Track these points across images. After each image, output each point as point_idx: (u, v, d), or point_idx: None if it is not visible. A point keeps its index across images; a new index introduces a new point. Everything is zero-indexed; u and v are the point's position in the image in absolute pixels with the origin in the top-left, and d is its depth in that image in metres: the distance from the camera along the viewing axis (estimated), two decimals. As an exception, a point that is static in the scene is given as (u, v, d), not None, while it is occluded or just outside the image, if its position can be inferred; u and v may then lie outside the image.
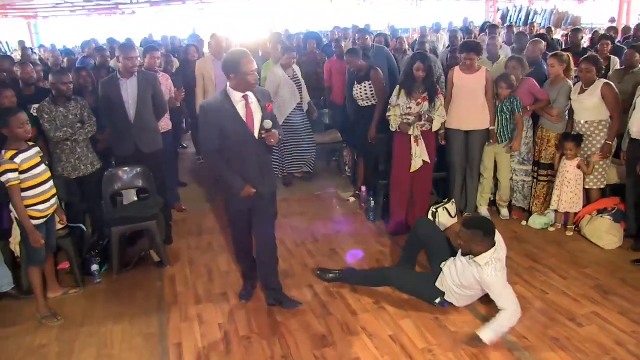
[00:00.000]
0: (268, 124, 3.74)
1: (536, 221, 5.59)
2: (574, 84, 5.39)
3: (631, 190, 5.13)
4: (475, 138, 5.56)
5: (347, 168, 7.26)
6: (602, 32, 9.82)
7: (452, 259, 4.02)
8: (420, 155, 5.13)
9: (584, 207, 5.38)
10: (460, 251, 3.94)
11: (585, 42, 9.23)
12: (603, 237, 5.12)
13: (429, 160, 5.20)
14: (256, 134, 3.78)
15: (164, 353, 3.69)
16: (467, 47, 5.54)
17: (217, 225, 5.85)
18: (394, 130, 5.21)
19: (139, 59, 5.19)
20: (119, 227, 4.81)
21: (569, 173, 5.25)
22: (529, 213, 5.73)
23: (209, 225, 5.88)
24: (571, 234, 5.35)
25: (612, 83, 5.18)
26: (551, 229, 5.49)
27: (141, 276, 4.81)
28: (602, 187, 5.41)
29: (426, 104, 5.11)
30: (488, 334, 3.57)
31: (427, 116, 5.11)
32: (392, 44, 8.65)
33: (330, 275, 4.50)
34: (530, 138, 5.62)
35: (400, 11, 22.11)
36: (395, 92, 5.24)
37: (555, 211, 5.47)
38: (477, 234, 3.70)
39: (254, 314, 4.11)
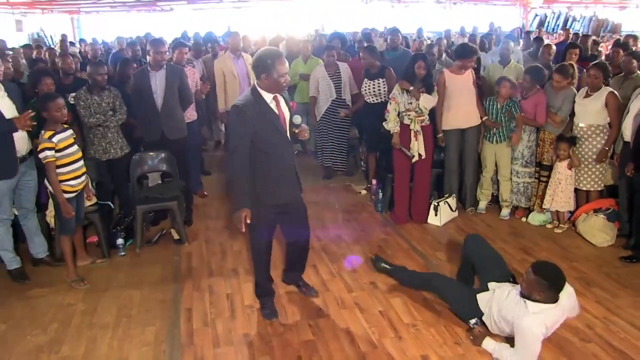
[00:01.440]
0: (297, 119, 3.79)
1: (535, 218, 5.88)
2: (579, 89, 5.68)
3: (624, 191, 5.38)
4: (471, 134, 5.89)
5: (362, 163, 7.62)
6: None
7: (510, 285, 3.88)
8: (417, 149, 5.49)
9: (580, 206, 5.66)
10: (518, 286, 3.69)
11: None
12: (596, 235, 5.38)
13: (424, 155, 5.55)
14: (288, 135, 3.82)
15: (175, 315, 4.13)
16: (463, 52, 5.87)
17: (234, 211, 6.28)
18: (388, 128, 5.58)
19: (167, 53, 5.67)
20: (143, 205, 5.28)
21: (560, 174, 5.52)
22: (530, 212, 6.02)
23: (226, 210, 6.31)
24: (560, 231, 5.62)
25: (616, 92, 5.44)
26: (549, 226, 5.76)
27: (161, 251, 5.28)
28: (600, 189, 5.66)
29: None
30: (490, 345, 3.61)
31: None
32: (412, 46, 8.99)
33: (383, 264, 4.66)
34: (533, 141, 5.86)
35: (433, 14, 22.23)
36: (396, 88, 5.58)
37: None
38: (542, 283, 3.43)
39: (257, 285, 4.53)
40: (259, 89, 3.65)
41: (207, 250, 5.29)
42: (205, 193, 6.78)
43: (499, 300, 3.70)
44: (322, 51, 7.38)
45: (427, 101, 5.51)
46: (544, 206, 5.75)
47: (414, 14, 21.55)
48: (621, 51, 7.38)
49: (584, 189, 5.63)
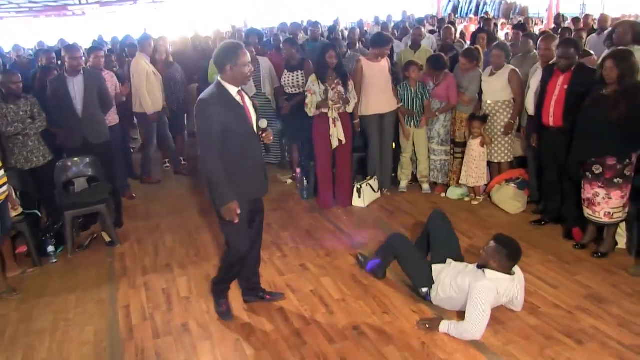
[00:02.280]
0: (264, 122, 3.75)
1: (453, 192, 6.26)
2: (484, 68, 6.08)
3: (531, 161, 5.82)
4: (389, 119, 6.20)
5: (286, 154, 7.80)
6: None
7: (466, 263, 4.05)
8: (337, 135, 5.74)
9: (494, 178, 6.07)
10: (476, 264, 3.86)
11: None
12: (509, 203, 5.80)
13: (344, 140, 5.81)
14: (255, 130, 3.73)
15: (113, 314, 4.20)
16: (379, 41, 6.15)
17: (164, 210, 6.38)
18: (311, 114, 5.78)
19: (83, 58, 5.67)
20: (71, 211, 5.28)
21: (474, 151, 5.90)
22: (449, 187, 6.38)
23: (157, 210, 6.39)
24: (476, 203, 6.02)
25: (517, 70, 5.85)
26: (467, 199, 6.15)
27: (94, 255, 5.30)
28: (510, 160, 6.09)
29: (340, 87, 5.71)
30: (445, 327, 3.69)
31: (344, 97, 5.70)
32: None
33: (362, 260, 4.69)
34: (449, 121, 6.23)
35: (349, 4, 22.56)
36: (311, 80, 5.77)
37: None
38: (500, 251, 3.66)
39: (194, 278, 4.67)
40: (223, 82, 3.58)
41: (139, 249, 5.35)
42: (134, 195, 6.80)
43: (457, 271, 3.87)
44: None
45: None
46: (460, 182, 6.12)
47: (331, 5, 21.86)
48: (520, 33, 7.89)
49: (496, 161, 6.03)
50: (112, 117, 6.29)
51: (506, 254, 3.65)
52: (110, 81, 6.38)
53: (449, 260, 4.09)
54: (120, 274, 4.85)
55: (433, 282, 4.00)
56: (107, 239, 5.49)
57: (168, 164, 8.04)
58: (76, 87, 5.52)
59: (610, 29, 6.57)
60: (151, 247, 5.38)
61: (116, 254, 5.26)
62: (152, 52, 7.14)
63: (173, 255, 5.16)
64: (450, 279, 3.85)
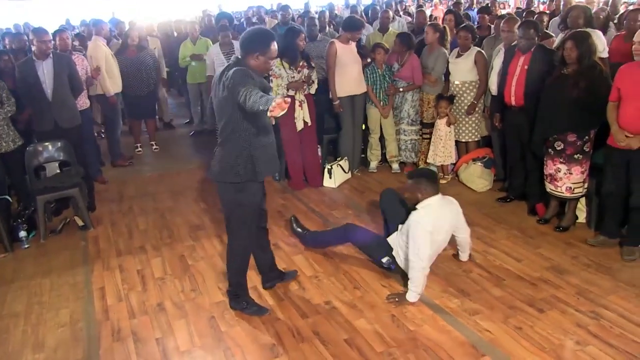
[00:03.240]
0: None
1: (421, 172, 6.39)
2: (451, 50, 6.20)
3: (496, 140, 5.98)
4: (359, 101, 6.31)
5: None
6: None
7: None
8: (303, 117, 5.83)
9: (461, 157, 6.22)
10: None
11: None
12: (476, 181, 5.96)
13: (309, 122, 5.91)
14: None
15: (88, 296, 4.24)
16: (353, 25, 6.23)
17: (136, 193, 6.41)
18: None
19: (52, 42, 5.64)
20: (43, 195, 5.28)
21: (440, 130, 6.04)
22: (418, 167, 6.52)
23: (130, 193, 6.41)
24: (445, 182, 6.15)
25: (483, 52, 5.98)
26: (434, 178, 6.30)
27: (67, 239, 5.31)
28: (477, 139, 6.24)
29: (306, 69, 5.81)
30: (409, 294, 3.80)
31: (310, 79, 5.83)
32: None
33: (299, 229, 4.85)
34: (417, 101, 6.36)
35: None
36: (277, 64, 5.76)
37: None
38: (420, 181, 3.90)
39: (168, 259, 4.74)
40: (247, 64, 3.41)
41: (113, 232, 5.39)
42: (106, 179, 6.80)
43: (403, 229, 3.96)
44: (212, 32, 7.54)
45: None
46: (428, 161, 6.26)
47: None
48: (486, 16, 8.03)
49: (463, 140, 6.18)
50: (83, 101, 6.28)
51: (425, 180, 3.91)
52: (81, 64, 6.35)
53: (399, 226, 4.11)
54: (95, 257, 4.89)
55: (392, 249, 4.15)
56: (80, 223, 5.51)
57: (140, 148, 8.03)
58: (46, 70, 5.50)
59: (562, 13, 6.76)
60: (125, 230, 5.41)
61: (90, 238, 5.29)
62: (109, 34, 7.21)
63: (147, 238, 5.20)
64: (400, 236, 4.04)
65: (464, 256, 4.41)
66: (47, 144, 5.56)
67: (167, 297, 4.14)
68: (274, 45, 3.45)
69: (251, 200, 3.62)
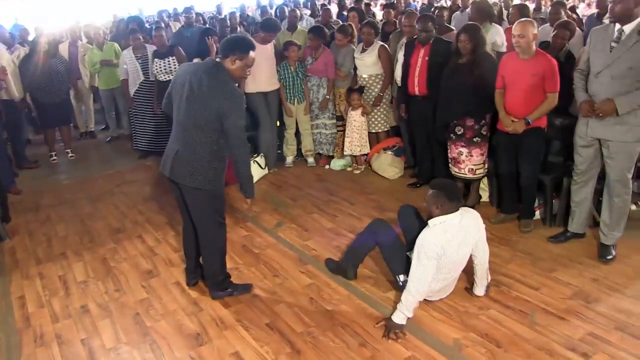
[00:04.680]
0: None
1: (336, 164, 6.66)
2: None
3: (404, 129, 6.31)
4: (272, 98, 6.48)
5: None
6: None
7: None
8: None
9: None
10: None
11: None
12: (387, 170, 6.27)
13: None
14: None
15: (7, 305, 4.20)
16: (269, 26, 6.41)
17: (53, 201, 6.31)
18: None
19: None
20: (-47, 209, 5.16)
21: (355, 121, 6.31)
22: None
23: (46, 202, 6.30)
24: (358, 172, 6.47)
25: (386, 45, 6.29)
26: (349, 169, 6.58)
27: (-20, 253, 5.21)
28: (387, 129, 6.56)
29: None
30: (397, 315, 3.47)
31: None
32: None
33: (336, 263, 4.32)
34: (332, 94, 6.61)
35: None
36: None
37: (352, 155, 6.55)
38: (438, 195, 3.48)
39: (90, 263, 4.75)
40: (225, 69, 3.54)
41: (31, 241, 5.31)
42: (20, 189, 6.67)
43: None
44: (124, 36, 7.53)
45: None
46: (345, 152, 6.51)
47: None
48: (392, 11, 8.40)
49: (374, 131, 6.48)
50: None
51: (445, 196, 3.47)
52: (-17, 70, 6.24)
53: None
54: (12, 267, 4.81)
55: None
56: (-5, 235, 5.41)
57: (55, 157, 7.89)
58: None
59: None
60: (44, 239, 5.35)
61: (5, 249, 5.18)
62: (10, 40, 7.43)
63: (67, 244, 5.17)
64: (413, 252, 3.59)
65: (479, 290, 3.84)
66: (-46, 156, 5.44)
67: (91, 299, 4.17)
68: (253, 54, 3.55)
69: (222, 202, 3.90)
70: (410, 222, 3.95)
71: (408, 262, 3.62)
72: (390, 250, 3.86)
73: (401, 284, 3.69)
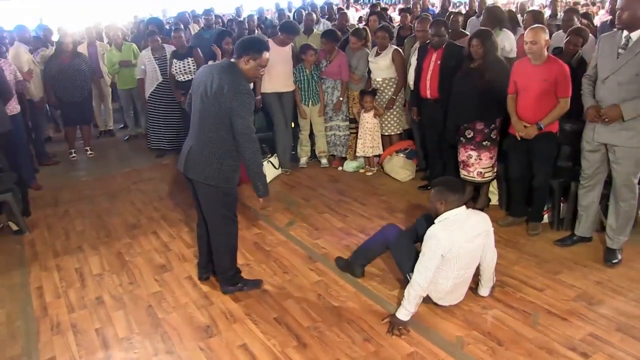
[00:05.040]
0: None
1: (349, 165, 6.76)
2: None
3: (416, 132, 6.38)
4: (287, 99, 6.61)
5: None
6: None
7: None
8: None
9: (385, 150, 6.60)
10: None
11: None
12: (399, 172, 6.35)
13: None
14: None
15: (26, 295, 4.35)
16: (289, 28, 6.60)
17: (72, 197, 6.49)
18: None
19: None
20: (-25, 202, 5.33)
21: (368, 123, 6.40)
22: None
23: (65, 198, 6.47)
24: (370, 173, 6.56)
25: (399, 49, 6.38)
26: (362, 171, 6.68)
27: (1, 244, 5.35)
28: (399, 132, 6.64)
29: None
30: (401, 312, 3.51)
31: None
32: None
33: (345, 262, 4.39)
34: (347, 97, 6.70)
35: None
36: None
37: (364, 156, 6.64)
38: (441, 191, 3.54)
39: (106, 256, 4.89)
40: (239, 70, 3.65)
41: (49, 234, 5.47)
42: (40, 185, 6.84)
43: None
44: (143, 37, 7.71)
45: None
46: (357, 154, 6.61)
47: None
48: (408, 15, 8.48)
49: (387, 134, 6.56)
50: (13, 106, 6.30)
51: (447, 189, 3.54)
52: (8, 69, 6.36)
53: None
54: (31, 259, 4.97)
55: None
56: (15, 228, 5.56)
57: (74, 154, 8.08)
58: (-28, 77, 5.57)
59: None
60: (62, 232, 5.51)
61: (25, 242, 5.35)
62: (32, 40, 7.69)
63: (84, 238, 5.32)
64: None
65: (484, 290, 3.90)
66: (-23, 150, 5.61)
67: (106, 291, 4.30)
68: (266, 55, 3.66)
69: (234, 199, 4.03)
70: (421, 223, 3.95)
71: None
72: (400, 251, 3.89)
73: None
